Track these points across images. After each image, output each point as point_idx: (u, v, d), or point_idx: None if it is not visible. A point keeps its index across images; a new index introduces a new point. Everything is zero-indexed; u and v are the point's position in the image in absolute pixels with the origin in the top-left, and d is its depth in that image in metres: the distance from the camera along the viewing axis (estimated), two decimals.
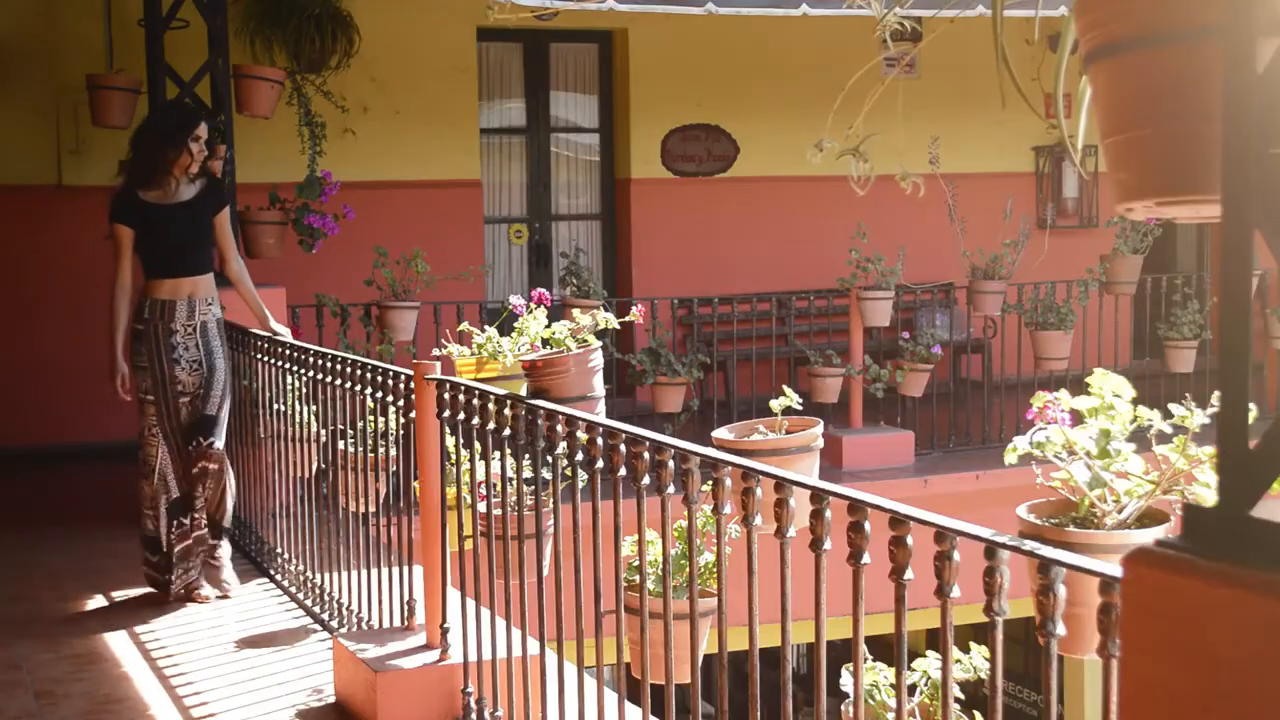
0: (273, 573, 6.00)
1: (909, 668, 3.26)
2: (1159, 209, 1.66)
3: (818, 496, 2.70)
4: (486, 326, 4.66)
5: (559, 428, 3.57)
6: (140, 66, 7.33)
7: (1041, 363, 9.39)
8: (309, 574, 5.53)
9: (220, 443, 5.61)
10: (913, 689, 3.51)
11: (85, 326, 9.29)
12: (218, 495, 5.66)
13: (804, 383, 9.04)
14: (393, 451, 4.90)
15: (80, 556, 6.57)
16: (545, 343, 4.40)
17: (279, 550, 5.90)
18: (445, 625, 4.34)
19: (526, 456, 3.84)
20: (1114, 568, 2.08)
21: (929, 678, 3.54)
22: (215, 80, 7.26)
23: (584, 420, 3.51)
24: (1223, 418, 1.49)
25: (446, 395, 4.12)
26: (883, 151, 3.53)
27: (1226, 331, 1.49)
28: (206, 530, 5.65)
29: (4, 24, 9.08)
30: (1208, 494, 2.49)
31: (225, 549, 5.77)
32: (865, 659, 2.91)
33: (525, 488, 3.90)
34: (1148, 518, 2.67)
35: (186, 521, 5.60)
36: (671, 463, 3.17)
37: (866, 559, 2.62)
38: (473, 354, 4.51)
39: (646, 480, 3.23)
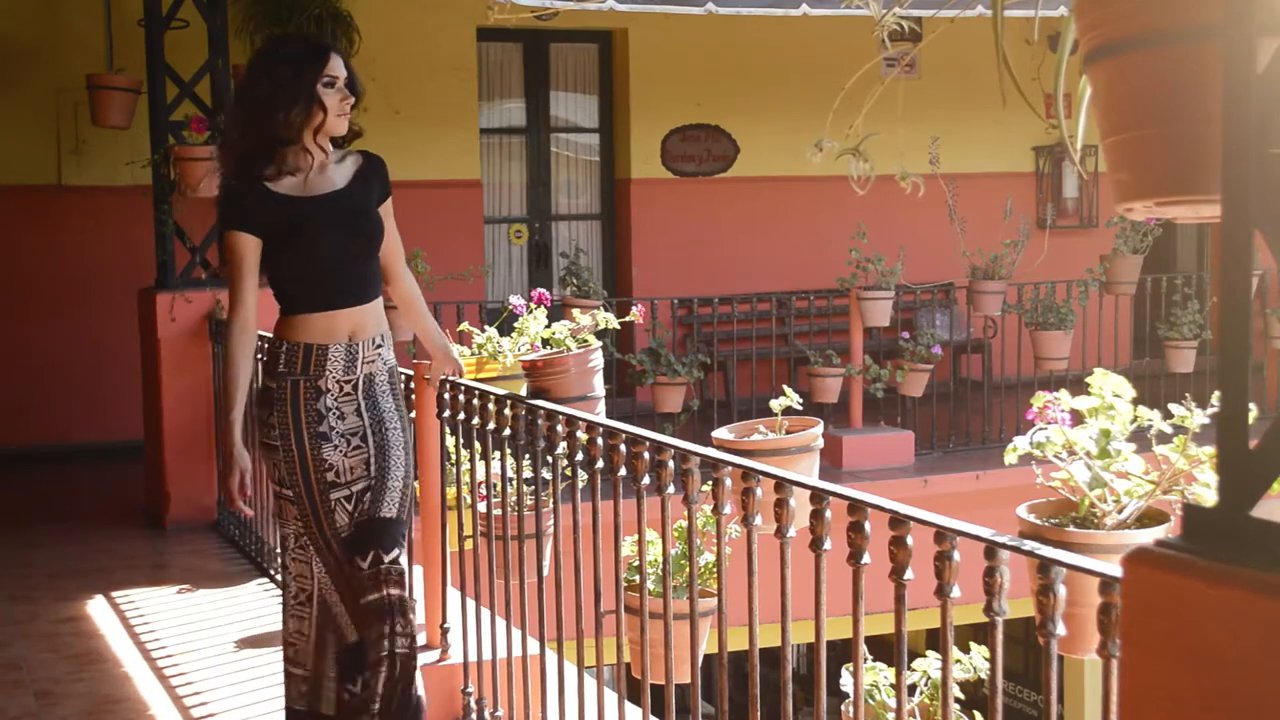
0: (273, 573, 5.99)
1: (909, 668, 3.26)
2: (1159, 209, 1.66)
3: (818, 496, 2.70)
4: (486, 326, 4.66)
5: (559, 428, 3.57)
6: (140, 66, 7.33)
7: (1041, 363, 9.39)
8: None
9: (404, 558, 3.67)
10: (913, 689, 3.51)
11: (85, 326, 9.31)
12: (399, 659, 3.57)
13: (804, 383, 9.04)
14: None
15: (80, 556, 6.57)
16: (545, 343, 4.40)
17: (279, 550, 5.89)
18: (445, 625, 4.34)
19: (526, 456, 3.84)
20: (1114, 568, 2.08)
21: (929, 678, 3.54)
22: (215, 80, 7.25)
23: (584, 420, 3.51)
24: (1223, 418, 1.49)
25: (446, 395, 4.12)
26: (883, 151, 3.53)
27: (1226, 331, 1.49)
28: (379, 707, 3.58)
29: (4, 24, 9.08)
30: (1208, 494, 2.49)
31: None
32: (865, 659, 2.91)
33: (525, 488, 3.90)
34: (1148, 518, 2.67)
35: (361, 686, 3.59)
36: (671, 463, 3.17)
37: (866, 559, 2.62)
38: (473, 354, 4.51)
39: (646, 480, 3.23)
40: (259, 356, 4.04)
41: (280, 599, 5.68)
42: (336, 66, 3.58)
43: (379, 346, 3.69)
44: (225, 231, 3.63)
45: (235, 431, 3.60)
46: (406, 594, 3.62)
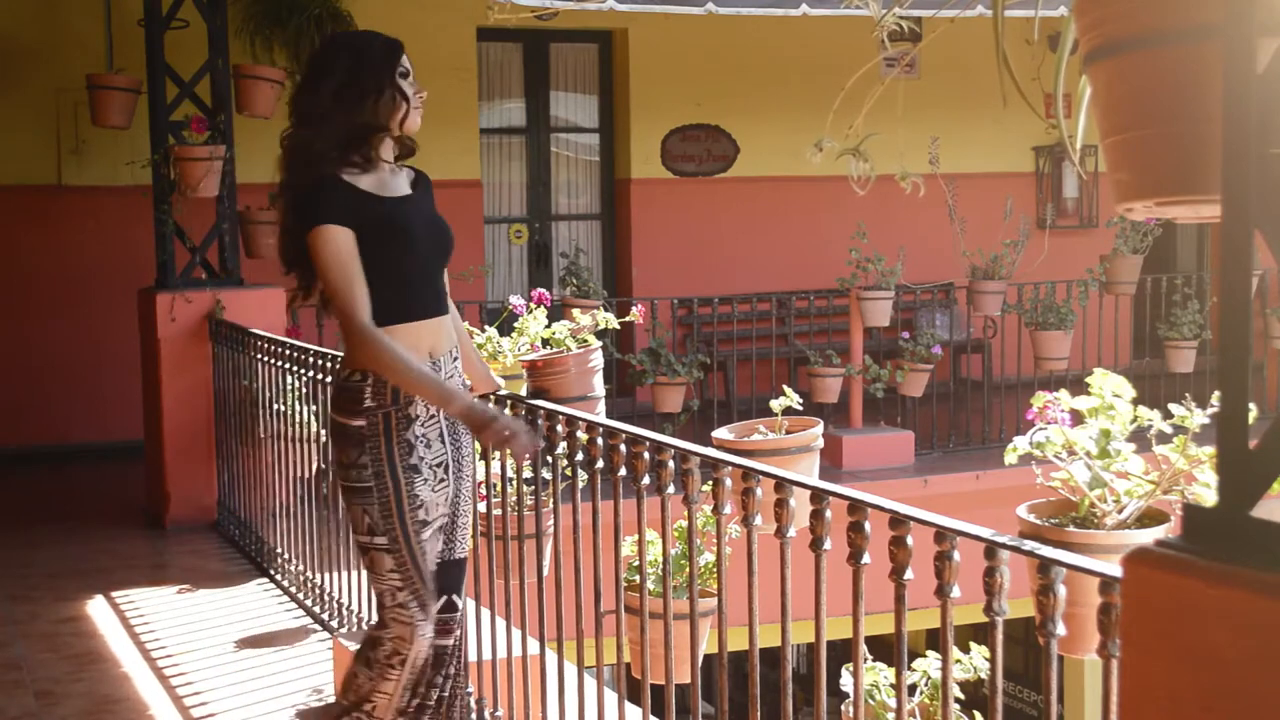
0: (273, 573, 6.00)
1: (909, 668, 3.26)
2: (1159, 209, 1.66)
3: (818, 496, 2.70)
4: (486, 326, 4.66)
5: (559, 428, 3.56)
6: (140, 66, 7.33)
7: (1041, 363, 9.39)
8: (309, 574, 5.53)
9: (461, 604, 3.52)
10: (913, 689, 3.51)
11: (85, 326, 9.31)
12: (460, 698, 3.54)
13: (804, 383, 9.04)
14: None
15: (80, 556, 6.57)
16: (545, 343, 4.40)
17: (279, 550, 5.90)
18: None
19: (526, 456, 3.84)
20: (1114, 568, 2.08)
21: (929, 678, 3.54)
22: (215, 80, 7.25)
23: (584, 420, 3.51)
24: (1223, 418, 1.49)
25: None
26: (883, 151, 3.53)
27: (1226, 331, 1.49)
28: None
29: (4, 24, 9.08)
30: (1208, 494, 2.49)
31: None
32: (865, 659, 2.91)
33: (525, 488, 3.90)
34: (1148, 518, 2.67)
35: None
36: (671, 463, 3.17)
37: (866, 559, 2.62)
38: None
39: (646, 480, 3.23)
40: (327, 393, 3.43)
41: (278, 598, 5.70)
42: (407, 61, 3.43)
43: (455, 359, 3.43)
44: (320, 226, 3.21)
45: (466, 398, 3.30)
46: (460, 648, 3.51)
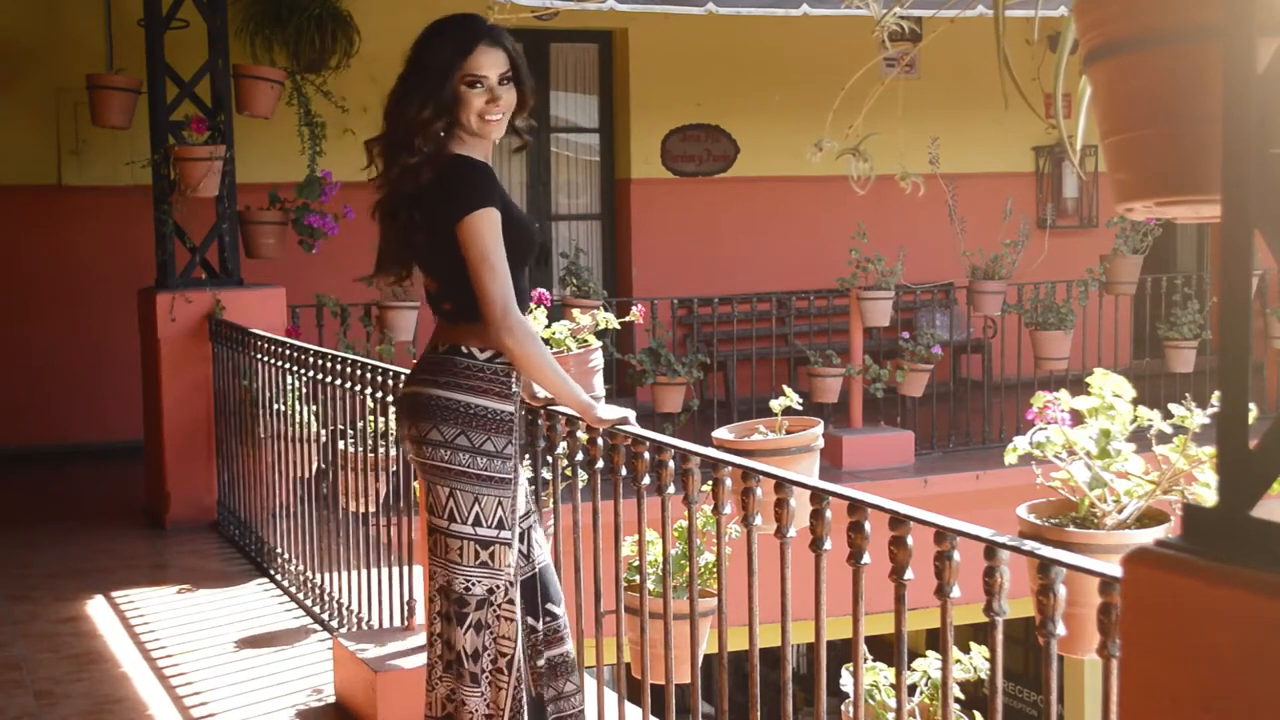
0: (273, 573, 6.00)
1: (909, 668, 3.26)
2: (1159, 209, 1.66)
3: (818, 496, 2.70)
4: None
5: (559, 428, 3.57)
6: (140, 66, 7.33)
7: (1041, 363, 9.39)
8: (309, 574, 5.53)
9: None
10: (913, 689, 3.51)
11: (85, 326, 9.31)
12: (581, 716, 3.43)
13: (804, 383, 9.04)
14: (393, 451, 4.90)
15: (80, 556, 6.57)
16: (545, 343, 4.40)
17: (279, 550, 5.90)
18: None
19: (526, 456, 3.84)
20: (1114, 568, 2.08)
21: (929, 678, 3.53)
22: (215, 80, 7.25)
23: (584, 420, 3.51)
24: (1223, 418, 1.49)
25: None
26: (883, 151, 3.52)
27: (1226, 331, 1.49)
28: None
29: (4, 24, 9.08)
30: (1208, 494, 2.49)
31: None
32: (865, 659, 2.91)
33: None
34: (1148, 518, 2.67)
35: None
36: (671, 463, 3.17)
37: (866, 559, 2.62)
38: None
39: (646, 480, 3.23)
40: (463, 374, 3.24)
41: (278, 598, 5.70)
42: (481, 62, 3.44)
43: None
44: (487, 209, 3.12)
45: (594, 406, 3.27)
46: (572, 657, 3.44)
